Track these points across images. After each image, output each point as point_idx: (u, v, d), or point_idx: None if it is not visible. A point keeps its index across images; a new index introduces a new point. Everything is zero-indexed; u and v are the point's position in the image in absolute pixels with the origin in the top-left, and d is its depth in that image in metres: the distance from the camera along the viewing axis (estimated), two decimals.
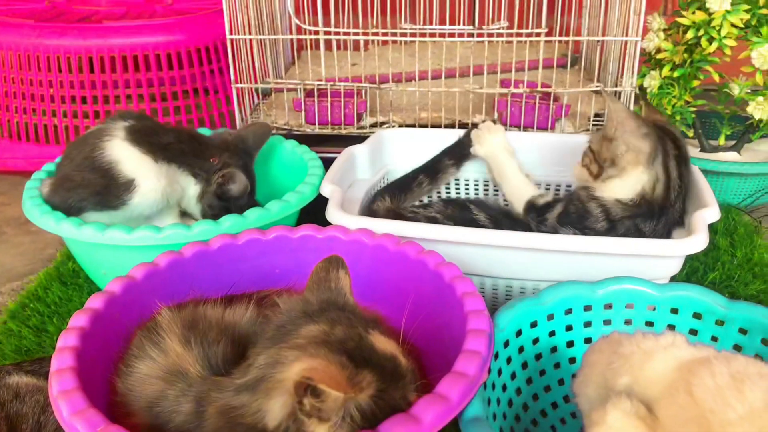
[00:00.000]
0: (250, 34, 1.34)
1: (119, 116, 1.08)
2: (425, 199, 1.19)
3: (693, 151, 1.40)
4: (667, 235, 0.97)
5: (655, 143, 0.96)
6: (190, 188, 1.09)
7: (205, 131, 1.21)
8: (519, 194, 1.10)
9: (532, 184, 1.13)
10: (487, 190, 1.27)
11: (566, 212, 0.99)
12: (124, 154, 1.02)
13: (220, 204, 1.10)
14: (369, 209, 1.10)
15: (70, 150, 1.06)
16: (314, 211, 1.02)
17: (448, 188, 1.28)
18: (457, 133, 1.24)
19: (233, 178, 1.09)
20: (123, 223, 1.00)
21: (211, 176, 1.09)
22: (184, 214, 1.13)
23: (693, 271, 1.13)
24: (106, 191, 1.01)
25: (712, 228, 1.24)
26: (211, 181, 1.09)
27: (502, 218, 0.99)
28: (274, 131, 1.32)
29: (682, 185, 0.98)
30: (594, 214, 0.96)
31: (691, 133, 1.40)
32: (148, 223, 1.05)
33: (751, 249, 1.18)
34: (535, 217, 1.02)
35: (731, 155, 1.38)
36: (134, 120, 1.07)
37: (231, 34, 1.30)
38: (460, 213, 1.01)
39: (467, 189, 1.27)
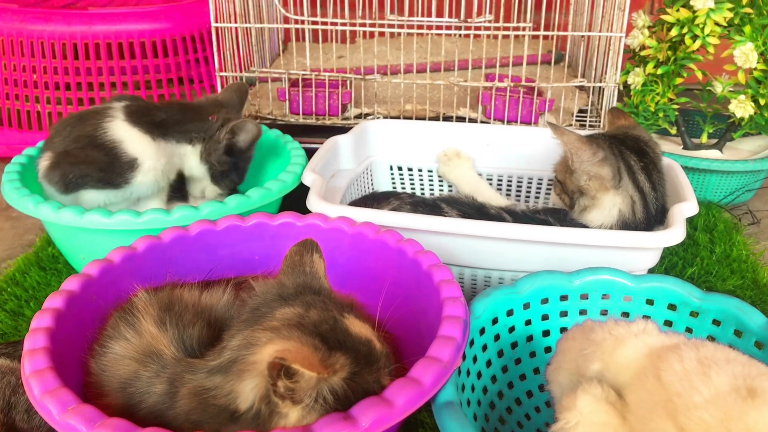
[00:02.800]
0: (235, 22, 1.33)
1: (115, 98, 1.11)
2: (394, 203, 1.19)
3: (675, 149, 1.41)
4: None
5: (615, 164, 0.96)
6: (188, 153, 1.11)
7: None
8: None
9: (502, 197, 1.16)
10: None
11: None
12: (126, 134, 1.04)
13: (228, 159, 1.11)
14: None
15: (62, 128, 1.05)
16: (298, 200, 1.02)
17: (432, 184, 1.28)
18: (441, 126, 1.25)
19: (243, 128, 1.10)
20: (120, 204, 1.03)
21: (214, 134, 1.10)
22: (172, 199, 1.13)
23: (672, 265, 1.14)
24: (109, 168, 1.02)
25: (692, 224, 1.25)
26: (217, 137, 1.10)
27: (474, 213, 0.99)
28: (258, 121, 1.32)
29: (658, 194, 0.98)
30: None
31: (673, 131, 1.41)
32: (137, 206, 1.05)
33: (730, 245, 1.19)
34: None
35: (713, 153, 1.39)
36: (129, 101, 1.10)
37: (216, 22, 1.30)
38: (431, 213, 1.00)
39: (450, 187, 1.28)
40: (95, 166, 1.01)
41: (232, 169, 1.13)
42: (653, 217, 0.97)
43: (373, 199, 1.15)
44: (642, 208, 0.96)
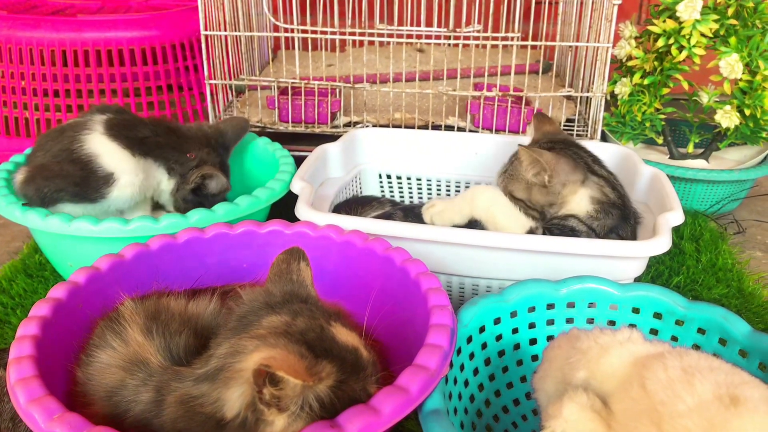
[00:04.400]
0: (225, 30, 1.33)
1: (97, 110, 1.09)
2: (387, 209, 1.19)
3: (662, 158, 1.42)
4: (633, 235, 0.99)
5: (581, 166, 1.00)
6: (164, 182, 1.10)
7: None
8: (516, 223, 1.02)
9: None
10: (458, 189, 1.27)
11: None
12: (103, 148, 1.02)
13: (194, 199, 1.10)
14: None
15: (44, 141, 1.05)
16: (286, 208, 1.02)
17: (420, 192, 1.29)
18: (430, 135, 1.26)
19: (212, 177, 1.09)
20: (99, 217, 1.00)
21: (187, 172, 1.09)
22: (156, 207, 1.13)
23: (658, 274, 1.15)
24: (84, 183, 1.01)
25: (678, 233, 1.26)
26: (187, 177, 1.09)
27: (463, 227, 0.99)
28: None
29: (616, 177, 1.03)
30: (582, 233, 0.97)
31: (660, 140, 1.43)
32: (119, 215, 1.05)
33: (716, 254, 1.20)
34: None
35: (699, 162, 1.41)
36: (112, 114, 1.07)
37: (205, 29, 1.30)
38: (418, 222, 1.01)
39: (449, 188, 1.28)
40: (69, 181, 1.00)
41: (197, 206, 1.04)
42: (624, 196, 1.01)
43: (356, 203, 1.15)
44: (611, 189, 1.00)
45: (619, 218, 0.98)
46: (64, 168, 1.00)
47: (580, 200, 0.99)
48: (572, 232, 0.96)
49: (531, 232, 0.98)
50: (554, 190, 0.99)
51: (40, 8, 1.65)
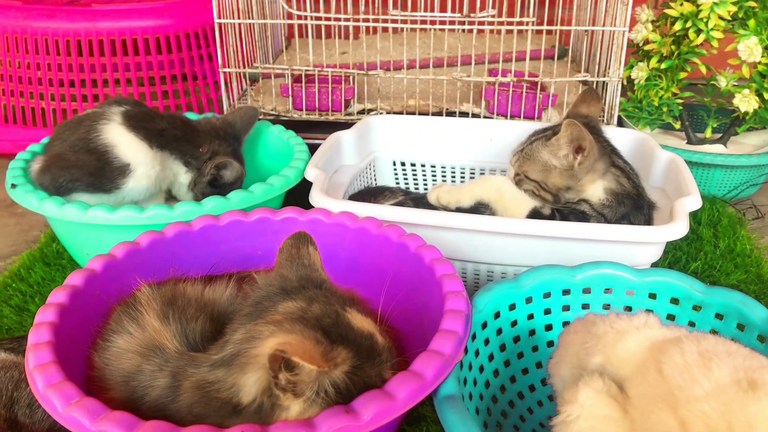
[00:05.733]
0: (238, 18, 1.33)
1: (115, 101, 1.09)
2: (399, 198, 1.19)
3: (679, 143, 1.41)
4: (648, 223, 0.98)
5: (608, 156, 1.00)
6: (182, 175, 1.10)
7: (191, 116, 1.21)
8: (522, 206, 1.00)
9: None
10: (473, 175, 1.27)
11: (566, 218, 0.97)
12: (120, 139, 1.03)
13: (213, 191, 1.10)
14: None
15: (61, 130, 1.06)
16: (301, 196, 1.02)
17: (435, 179, 1.28)
18: (445, 122, 1.25)
19: (227, 166, 1.10)
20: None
21: (202, 165, 1.10)
22: (170, 198, 1.13)
23: (676, 260, 1.14)
24: (100, 173, 1.01)
25: (696, 219, 1.25)
26: (203, 171, 1.09)
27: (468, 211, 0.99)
28: (261, 117, 1.32)
29: (629, 166, 1.02)
30: (592, 217, 0.96)
31: (678, 125, 1.41)
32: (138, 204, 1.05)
33: (734, 240, 1.18)
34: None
35: (717, 147, 1.39)
36: (130, 105, 1.08)
37: (219, 18, 1.30)
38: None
39: (463, 175, 1.28)
40: (85, 171, 1.00)
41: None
42: (639, 186, 0.99)
43: (369, 194, 1.15)
44: (626, 179, 0.99)
45: (631, 207, 0.97)
46: (80, 158, 1.01)
47: (595, 190, 0.98)
48: (582, 216, 0.95)
49: (536, 212, 0.96)
50: (579, 174, 0.98)
51: None
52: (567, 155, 0.98)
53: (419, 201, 1.07)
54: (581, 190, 0.99)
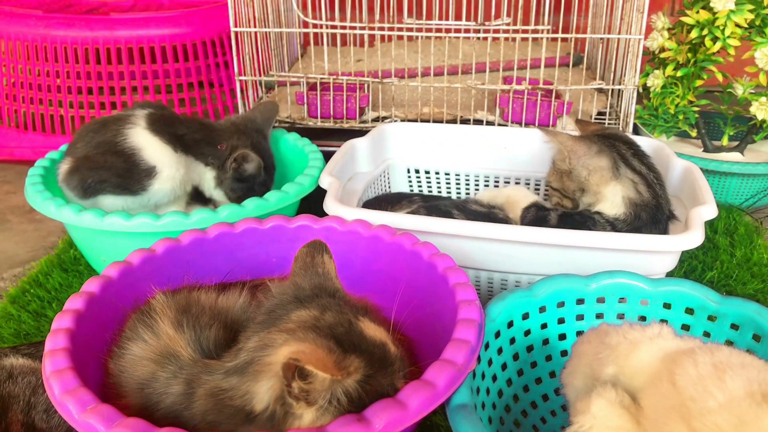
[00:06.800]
0: (254, 27, 1.34)
1: (139, 105, 1.12)
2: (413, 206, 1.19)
3: (696, 151, 1.40)
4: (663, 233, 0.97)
5: (610, 154, 0.99)
6: (206, 175, 1.13)
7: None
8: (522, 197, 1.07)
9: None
10: (487, 184, 1.27)
11: (570, 216, 0.99)
12: (146, 142, 1.05)
13: (241, 186, 1.13)
14: None
15: (84, 132, 1.07)
16: (315, 203, 1.03)
17: (449, 187, 1.28)
18: (459, 129, 1.25)
19: (246, 158, 1.11)
20: (138, 210, 1.03)
21: (224, 162, 1.12)
22: (192, 202, 1.15)
23: (691, 269, 1.13)
24: (128, 175, 1.04)
25: (713, 227, 1.24)
26: (225, 167, 1.11)
27: (479, 218, 0.99)
28: (276, 124, 1.33)
29: (656, 176, 1.00)
30: (599, 223, 0.97)
31: (694, 133, 1.40)
32: (156, 210, 1.07)
33: (751, 249, 1.17)
34: (534, 212, 1.01)
35: (734, 155, 1.38)
36: (153, 109, 1.10)
37: (235, 26, 1.31)
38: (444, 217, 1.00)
39: (477, 183, 1.28)
40: (113, 172, 1.02)
41: (248, 192, 1.11)
42: (659, 196, 0.98)
43: (385, 201, 1.15)
44: (646, 187, 0.98)
45: (648, 220, 0.97)
46: (108, 159, 1.03)
47: (614, 197, 0.98)
48: (590, 221, 0.96)
49: (535, 204, 1.00)
50: (578, 174, 0.99)
51: (74, 7, 1.68)
52: (561, 157, 1.01)
53: (432, 209, 1.07)
54: (597, 192, 0.99)
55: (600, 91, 1.44)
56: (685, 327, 0.78)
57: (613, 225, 0.96)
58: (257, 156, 1.12)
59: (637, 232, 0.95)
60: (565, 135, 1.00)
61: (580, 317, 0.80)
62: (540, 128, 1.02)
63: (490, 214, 1.02)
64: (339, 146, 1.16)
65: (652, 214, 0.97)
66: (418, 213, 1.05)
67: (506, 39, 1.52)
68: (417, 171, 1.28)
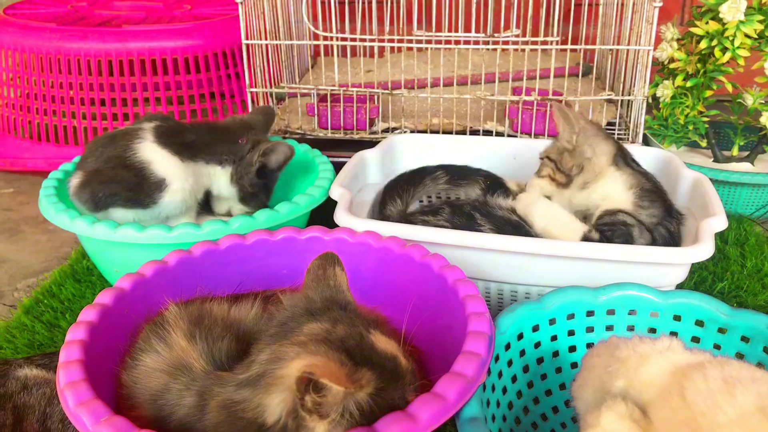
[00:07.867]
0: (265, 39, 1.36)
1: (146, 119, 1.13)
2: (433, 200, 1.19)
3: (706, 161, 1.40)
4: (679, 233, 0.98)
5: (616, 144, 1.03)
6: (219, 175, 1.13)
7: None
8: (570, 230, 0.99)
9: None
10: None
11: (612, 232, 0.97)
12: (155, 156, 1.06)
13: (259, 181, 1.14)
14: (381, 214, 1.10)
15: (94, 147, 1.08)
16: (326, 214, 1.04)
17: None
18: (468, 140, 1.26)
19: (274, 150, 1.12)
20: (149, 222, 1.03)
21: (245, 156, 1.13)
22: (202, 213, 1.15)
23: (702, 280, 1.13)
24: (138, 188, 1.04)
25: (723, 238, 1.24)
26: (248, 160, 1.12)
27: (505, 227, 0.98)
28: (287, 135, 1.34)
29: (651, 175, 1.03)
30: (635, 236, 0.96)
31: (704, 143, 1.40)
32: (167, 222, 1.08)
33: (762, 259, 1.17)
34: None
35: (744, 166, 1.38)
36: (159, 121, 1.11)
37: (246, 38, 1.32)
38: (466, 223, 1.00)
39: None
40: (124, 186, 1.03)
41: (261, 190, 1.14)
42: (663, 191, 1.01)
43: (406, 183, 1.14)
44: (648, 182, 1.01)
45: (663, 208, 0.98)
46: (118, 173, 1.04)
47: (614, 184, 1.00)
48: (624, 227, 0.95)
49: (585, 237, 0.95)
50: (582, 152, 1.02)
51: (87, 20, 1.70)
52: (568, 135, 1.03)
53: (456, 209, 1.04)
54: (597, 173, 1.01)
55: (609, 101, 1.45)
56: (695, 339, 0.78)
57: (643, 223, 0.96)
58: (286, 147, 1.13)
59: (660, 224, 0.96)
60: (578, 113, 1.03)
61: (590, 329, 0.80)
62: (554, 104, 1.05)
63: (513, 222, 0.99)
64: (349, 157, 1.17)
65: (663, 201, 0.99)
66: (441, 211, 1.03)
67: (515, 50, 1.53)
68: None
